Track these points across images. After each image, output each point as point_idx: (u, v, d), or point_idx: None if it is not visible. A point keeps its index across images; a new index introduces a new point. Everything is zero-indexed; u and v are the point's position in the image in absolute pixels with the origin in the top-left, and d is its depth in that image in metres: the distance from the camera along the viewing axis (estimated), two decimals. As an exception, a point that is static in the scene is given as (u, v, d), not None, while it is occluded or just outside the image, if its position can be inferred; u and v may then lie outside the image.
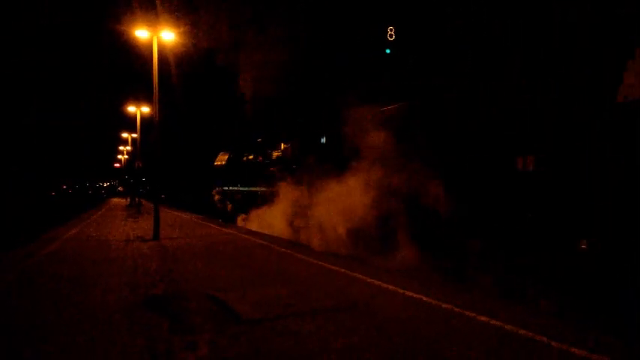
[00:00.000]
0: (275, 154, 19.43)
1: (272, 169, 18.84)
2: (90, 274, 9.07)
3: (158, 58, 15.54)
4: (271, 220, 17.56)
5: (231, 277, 8.60)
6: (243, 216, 21.20)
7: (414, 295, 6.94)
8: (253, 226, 18.91)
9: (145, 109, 34.05)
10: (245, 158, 23.01)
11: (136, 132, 36.72)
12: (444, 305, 6.37)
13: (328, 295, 7.11)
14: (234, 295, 7.07)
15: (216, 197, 26.69)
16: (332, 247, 12.65)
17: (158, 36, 15.56)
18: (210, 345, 4.96)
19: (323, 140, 15.29)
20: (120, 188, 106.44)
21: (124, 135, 51.71)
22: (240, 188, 22.31)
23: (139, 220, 23.49)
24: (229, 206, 24.15)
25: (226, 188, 24.78)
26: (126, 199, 54.48)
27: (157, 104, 15.95)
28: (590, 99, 6.58)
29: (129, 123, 42.27)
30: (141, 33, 15.57)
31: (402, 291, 7.25)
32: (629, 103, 5.79)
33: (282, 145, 18.78)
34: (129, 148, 56.46)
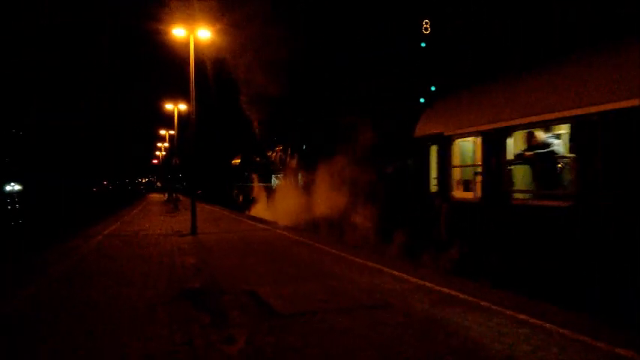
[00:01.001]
0: (273, 156, 23.34)
1: (271, 168, 23.15)
2: (129, 268, 9.32)
3: (195, 57, 15.79)
4: (268, 209, 21.40)
5: (266, 272, 8.67)
6: (251, 207, 24.93)
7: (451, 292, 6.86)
8: (259, 214, 22.91)
9: (183, 107, 34.65)
10: (252, 159, 27.11)
11: (173, 129, 37.43)
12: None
13: (362, 290, 7.08)
14: (269, 290, 7.13)
15: (235, 192, 31.25)
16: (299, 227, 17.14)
17: (195, 34, 15.79)
18: (248, 339, 5.01)
19: (304, 147, 19.45)
20: (158, 184, 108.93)
21: (162, 132, 52.82)
22: (248, 184, 26.70)
23: (177, 216, 23.98)
24: (240, 198, 28.53)
25: (240, 184, 29.68)
26: (164, 195, 55.71)
27: (194, 102, 16.21)
28: (402, 135, 11.46)
29: (167, 120, 43.21)
30: (178, 31, 15.84)
31: (438, 287, 7.16)
32: (419, 136, 10.45)
33: (277, 149, 22.69)
34: (166, 144, 57.72)
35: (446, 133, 9.44)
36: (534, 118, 7.33)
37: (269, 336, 5.10)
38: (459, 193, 9.39)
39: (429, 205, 9.87)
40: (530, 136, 7.90)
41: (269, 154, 24.00)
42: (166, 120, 43.21)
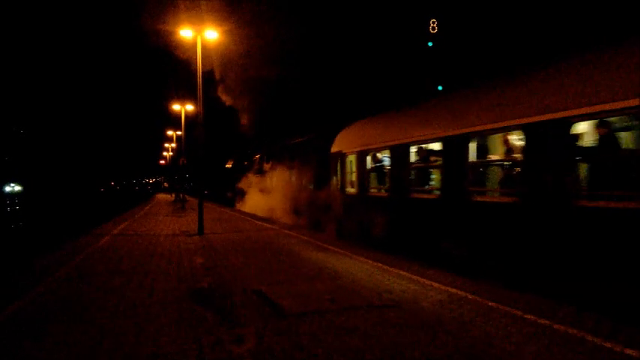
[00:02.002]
0: (255, 161, 27.89)
1: (251, 171, 28.15)
2: (137, 268, 9.38)
3: (203, 58, 15.84)
4: (250, 204, 26.56)
5: (274, 272, 8.70)
6: (239, 202, 30.05)
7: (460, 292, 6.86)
8: (244, 208, 28.02)
9: (190, 107, 34.77)
10: (242, 163, 31.85)
11: (181, 129, 37.57)
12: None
13: (369, 289, 7.09)
14: (278, 289, 7.15)
15: (227, 191, 36.00)
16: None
17: (202, 35, 15.85)
18: (257, 338, 5.04)
19: (268, 158, 24.97)
20: (165, 184, 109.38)
21: (169, 132, 53.01)
22: (237, 184, 31.18)
23: (184, 216, 24.07)
24: (230, 195, 33.85)
25: (232, 184, 33.97)
26: (171, 195, 55.90)
27: (202, 102, 16.28)
28: (324, 151, 15.68)
29: (175, 120, 43.38)
30: (185, 32, 15.91)
31: (442, 286, 7.16)
32: (332, 152, 14.89)
33: (256, 157, 27.89)
34: (174, 145, 57.92)
35: (343, 151, 14.23)
36: (381, 145, 12.08)
37: (278, 335, 5.13)
38: (349, 190, 14.05)
39: (335, 197, 14.80)
40: (375, 155, 12.75)
41: (254, 158, 28.54)
42: (174, 120, 43.41)
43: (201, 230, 15.38)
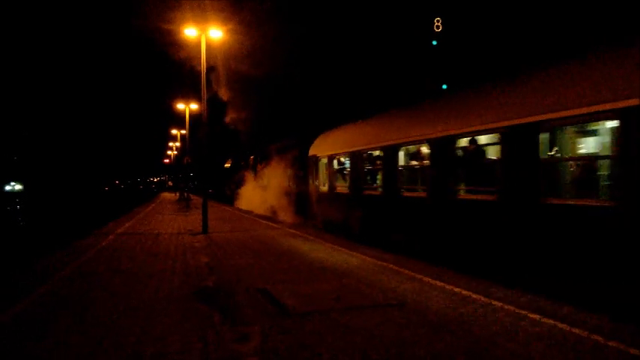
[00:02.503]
0: (251, 162, 30.31)
1: (246, 171, 30.73)
2: (142, 266, 9.42)
3: (207, 57, 15.87)
4: (246, 201, 28.87)
5: (278, 271, 8.73)
6: (236, 200, 31.99)
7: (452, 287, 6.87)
8: (241, 205, 30.26)
9: (194, 106, 34.82)
10: (239, 163, 34.45)
11: (185, 128, 37.64)
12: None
13: (375, 288, 7.11)
14: (282, 289, 7.18)
15: (226, 189, 38.44)
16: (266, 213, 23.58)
17: (206, 34, 15.88)
18: (262, 337, 5.06)
19: (260, 159, 27.37)
20: (169, 183, 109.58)
21: (174, 131, 53.09)
22: (235, 182, 33.58)
23: (188, 215, 24.15)
24: (228, 193, 36.24)
25: (230, 182, 36.71)
26: (175, 194, 56.01)
27: (205, 102, 16.31)
28: (303, 154, 18.39)
29: (179, 119, 43.50)
30: (189, 31, 15.93)
31: (442, 284, 7.17)
32: (311, 156, 17.32)
33: (251, 158, 30.43)
34: (178, 144, 58.00)
35: (317, 155, 16.90)
36: (345, 150, 14.63)
37: (282, 334, 5.15)
38: (322, 188, 16.50)
39: (312, 193, 17.43)
40: (339, 159, 15.36)
41: (250, 159, 30.78)
42: (178, 119, 43.52)
43: (205, 229, 15.42)
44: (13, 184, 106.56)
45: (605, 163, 6.70)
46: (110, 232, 16.24)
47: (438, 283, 7.48)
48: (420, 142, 10.55)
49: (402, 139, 11.19)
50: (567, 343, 4.75)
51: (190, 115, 36.06)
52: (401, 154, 11.53)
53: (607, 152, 6.78)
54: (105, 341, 5.06)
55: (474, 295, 6.66)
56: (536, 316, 5.63)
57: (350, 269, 8.81)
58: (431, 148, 9.97)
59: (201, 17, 16.20)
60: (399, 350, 4.65)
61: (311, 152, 17.45)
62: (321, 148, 16.65)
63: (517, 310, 5.89)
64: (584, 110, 6.33)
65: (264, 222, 19.19)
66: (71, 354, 4.75)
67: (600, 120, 6.45)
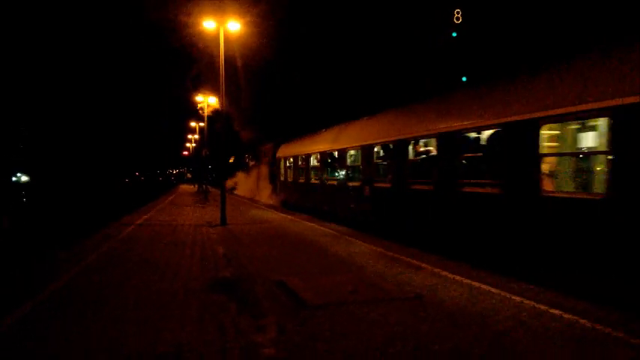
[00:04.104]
0: (246, 157, 38.80)
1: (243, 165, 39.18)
2: (161, 257, 9.53)
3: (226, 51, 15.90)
4: (242, 190, 37.63)
5: (295, 263, 8.75)
6: (237, 189, 40.04)
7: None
8: (240, 193, 37.75)
9: (212, 100, 35.03)
10: (242, 159, 41.71)
11: (203, 121, 37.91)
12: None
13: (390, 282, 7.09)
14: (299, 281, 7.19)
15: (229, 181, 43.34)
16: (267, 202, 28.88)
17: (225, 27, 15.90)
18: (278, 328, 5.08)
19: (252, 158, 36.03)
20: (188, 175, 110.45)
21: (192, 124, 53.49)
22: (236, 175, 41.94)
23: (207, 206, 24.34)
24: (231, 184, 42.01)
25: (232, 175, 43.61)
26: (194, 186, 56.48)
27: (224, 95, 16.37)
28: (275, 155, 26.27)
29: (197, 112, 43.90)
30: (208, 24, 15.98)
31: (454, 276, 7.10)
32: (278, 156, 25.32)
33: (247, 155, 38.14)
34: (197, 136, 58.43)
35: (282, 156, 23.92)
36: (297, 154, 21.19)
37: (299, 326, 5.17)
38: (288, 179, 22.86)
39: (280, 183, 24.70)
40: (295, 159, 21.69)
41: (246, 156, 38.37)
42: (197, 112, 43.93)
43: (223, 221, 15.52)
44: (19, 174, 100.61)
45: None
46: (130, 222, 16.43)
47: (457, 277, 7.43)
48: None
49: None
50: (586, 339, 4.68)
51: (210, 107, 36.32)
52: (312, 159, 18.83)
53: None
54: (127, 326, 5.14)
55: (494, 290, 6.60)
56: (556, 312, 5.55)
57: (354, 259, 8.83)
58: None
59: (219, 10, 16.21)
60: (416, 344, 4.63)
61: (278, 154, 24.87)
62: (284, 152, 23.79)
63: (537, 306, 5.81)
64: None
65: (284, 215, 19.27)
66: (91, 343, 4.83)
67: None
